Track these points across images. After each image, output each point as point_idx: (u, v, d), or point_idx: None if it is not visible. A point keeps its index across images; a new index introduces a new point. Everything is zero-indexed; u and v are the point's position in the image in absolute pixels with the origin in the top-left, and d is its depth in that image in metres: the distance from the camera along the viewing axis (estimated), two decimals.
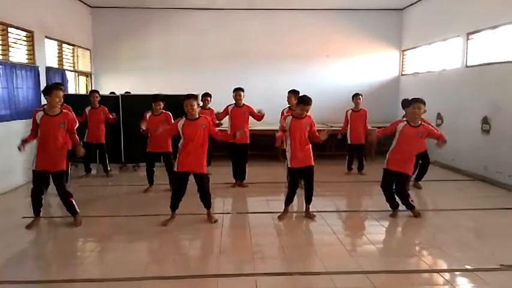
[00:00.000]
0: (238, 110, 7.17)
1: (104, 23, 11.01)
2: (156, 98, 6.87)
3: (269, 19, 11.16)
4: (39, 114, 4.99)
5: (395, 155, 5.46)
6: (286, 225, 5.36)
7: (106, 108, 8.13)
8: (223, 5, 10.81)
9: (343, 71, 11.48)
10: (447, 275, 3.91)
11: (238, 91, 7.17)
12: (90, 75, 11.04)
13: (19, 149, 5.06)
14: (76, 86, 10.41)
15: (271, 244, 4.70)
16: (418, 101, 5.34)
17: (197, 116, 5.14)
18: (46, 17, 8.45)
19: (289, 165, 5.47)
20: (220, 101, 7.94)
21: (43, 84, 8.13)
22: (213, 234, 5.06)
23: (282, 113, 6.96)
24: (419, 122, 5.41)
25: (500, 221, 5.61)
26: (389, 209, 5.69)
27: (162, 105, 6.87)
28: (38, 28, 8.05)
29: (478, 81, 8.04)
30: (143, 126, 6.63)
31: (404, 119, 5.71)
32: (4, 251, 4.51)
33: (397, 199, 5.62)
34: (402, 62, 11.60)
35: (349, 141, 8.29)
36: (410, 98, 5.81)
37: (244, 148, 7.21)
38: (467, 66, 8.47)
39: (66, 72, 9.59)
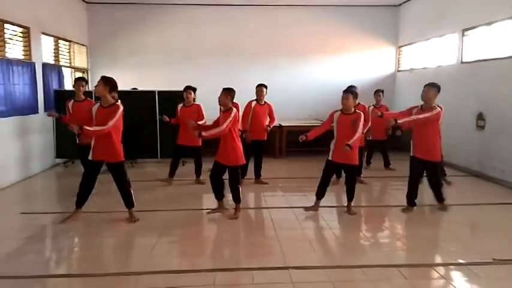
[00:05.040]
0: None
1: (99, 18, 10.97)
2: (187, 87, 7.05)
3: (265, 15, 11.16)
4: (95, 107, 5.01)
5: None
6: (280, 220, 5.41)
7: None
8: (219, 1, 10.80)
9: (340, 67, 11.50)
10: (441, 269, 3.97)
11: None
12: (87, 71, 11.02)
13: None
14: (72, 82, 10.37)
15: (265, 239, 4.75)
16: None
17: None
18: (42, 13, 8.42)
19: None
20: (217, 97, 7.98)
21: (39, 81, 8.16)
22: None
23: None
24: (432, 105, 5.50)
25: (494, 216, 5.67)
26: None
27: (193, 94, 7.01)
28: (34, 24, 8.02)
29: (473, 77, 8.09)
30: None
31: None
32: (4, 247, 4.52)
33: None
34: (398, 58, 11.64)
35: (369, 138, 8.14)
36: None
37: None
38: (462, 63, 8.51)
39: (63, 68, 9.58)
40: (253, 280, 3.69)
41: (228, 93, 5.35)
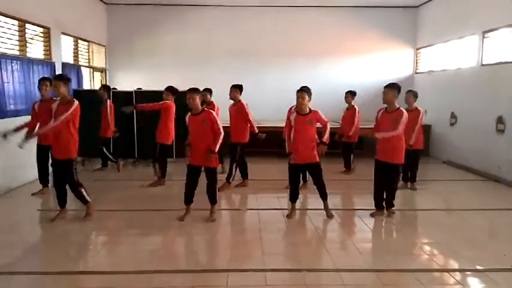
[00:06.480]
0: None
1: (118, 19, 11.14)
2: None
3: (281, 16, 11.15)
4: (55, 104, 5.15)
5: None
6: (294, 222, 5.38)
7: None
8: (235, 2, 10.84)
9: (357, 69, 11.42)
10: (458, 275, 3.89)
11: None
12: (105, 71, 11.18)
13: None
14: (91, 81, 10.56)
15: (279, 240, 4.73)
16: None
17: (199, 110, 5.08)
18: (62, 14, 8.58)
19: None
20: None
21: None
22: (224, 229, 5.11)
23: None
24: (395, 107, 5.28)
25: None
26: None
27: (170, 95, 7.05)
28: (55, 24, 8.18)
29: (493, 80, 7.92)
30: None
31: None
32: (20, 243, 4.63)
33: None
34: (416, 60, 11.50)
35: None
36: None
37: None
38: (482, 65, 8.35)
39: (82, 68, 9.73)
40: (266, 281, 3.67)
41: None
